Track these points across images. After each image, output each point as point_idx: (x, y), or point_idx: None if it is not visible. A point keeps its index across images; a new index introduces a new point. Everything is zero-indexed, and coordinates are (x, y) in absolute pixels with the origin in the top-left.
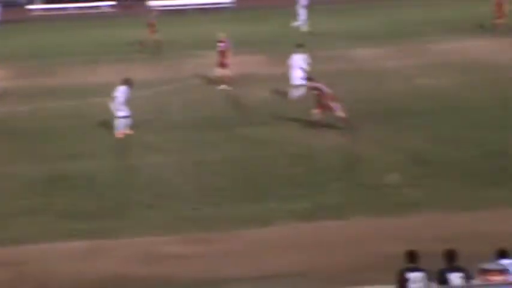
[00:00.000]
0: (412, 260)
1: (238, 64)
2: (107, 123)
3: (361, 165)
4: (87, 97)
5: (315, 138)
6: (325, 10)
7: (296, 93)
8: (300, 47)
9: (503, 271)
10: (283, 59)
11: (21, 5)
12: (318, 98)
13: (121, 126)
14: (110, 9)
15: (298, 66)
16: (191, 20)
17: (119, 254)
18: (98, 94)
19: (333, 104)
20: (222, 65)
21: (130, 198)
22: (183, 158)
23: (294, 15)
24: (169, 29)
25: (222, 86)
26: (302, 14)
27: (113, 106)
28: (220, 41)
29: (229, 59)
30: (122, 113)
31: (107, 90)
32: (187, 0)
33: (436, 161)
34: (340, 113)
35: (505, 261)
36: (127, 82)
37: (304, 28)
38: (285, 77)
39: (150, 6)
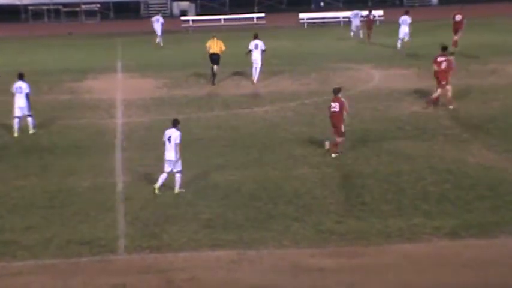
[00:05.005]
0: None
1: (388, 78)
2: (253, 134)
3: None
4: (233, 108)
5: (463, 154)
6: None
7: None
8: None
9: None
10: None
11: (176, 17)
12: None
13: None
14: (261, 21)
15: None
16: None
17: (264, 265)
18: (243, 106)
19: None
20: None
21: (275, 210)
22: (330, 171)
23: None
24: (314, 42)
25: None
26: None
27: None
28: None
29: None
30: None
31: (249, 101)
32: (334, 14)
33: None
34: None
35: None
36: None
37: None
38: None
39: None
